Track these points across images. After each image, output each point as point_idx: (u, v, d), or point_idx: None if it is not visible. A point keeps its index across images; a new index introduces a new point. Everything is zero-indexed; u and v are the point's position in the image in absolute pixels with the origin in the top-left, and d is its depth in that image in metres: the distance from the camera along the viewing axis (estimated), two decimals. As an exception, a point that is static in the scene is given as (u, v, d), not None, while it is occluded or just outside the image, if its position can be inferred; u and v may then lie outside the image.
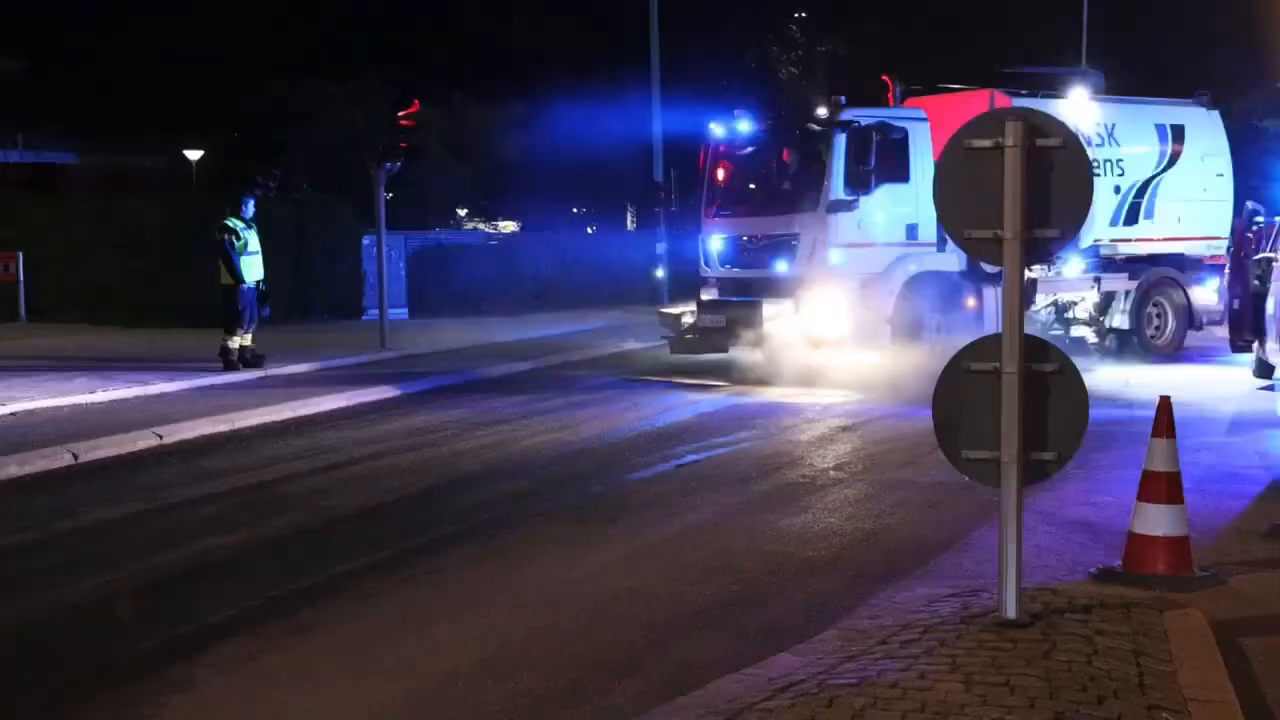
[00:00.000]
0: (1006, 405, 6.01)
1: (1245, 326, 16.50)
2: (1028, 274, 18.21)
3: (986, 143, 6.03)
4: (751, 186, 18.91)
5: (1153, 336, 20.22)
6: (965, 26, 44.73)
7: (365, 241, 28.93)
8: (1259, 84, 39.48)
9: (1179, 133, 20.13)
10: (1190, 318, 20.48)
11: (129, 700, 5.92)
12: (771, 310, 17.12)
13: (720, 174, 18.95)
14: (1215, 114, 20.89)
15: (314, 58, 46.08)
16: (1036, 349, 6.20)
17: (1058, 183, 6.03)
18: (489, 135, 47.87)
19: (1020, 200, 5.96)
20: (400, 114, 21.54)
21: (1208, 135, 20.66)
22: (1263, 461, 11.49)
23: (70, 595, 7.59)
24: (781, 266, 17.46)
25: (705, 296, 18.71)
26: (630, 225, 53.52)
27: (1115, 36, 39.99)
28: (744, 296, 17.84)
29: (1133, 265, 19.92)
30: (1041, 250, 6.26)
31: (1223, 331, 20.89)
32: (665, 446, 12.53)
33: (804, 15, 48.23)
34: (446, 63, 49.13)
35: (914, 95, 18.76)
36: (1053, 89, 19.84)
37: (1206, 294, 20.67)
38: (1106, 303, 19.86)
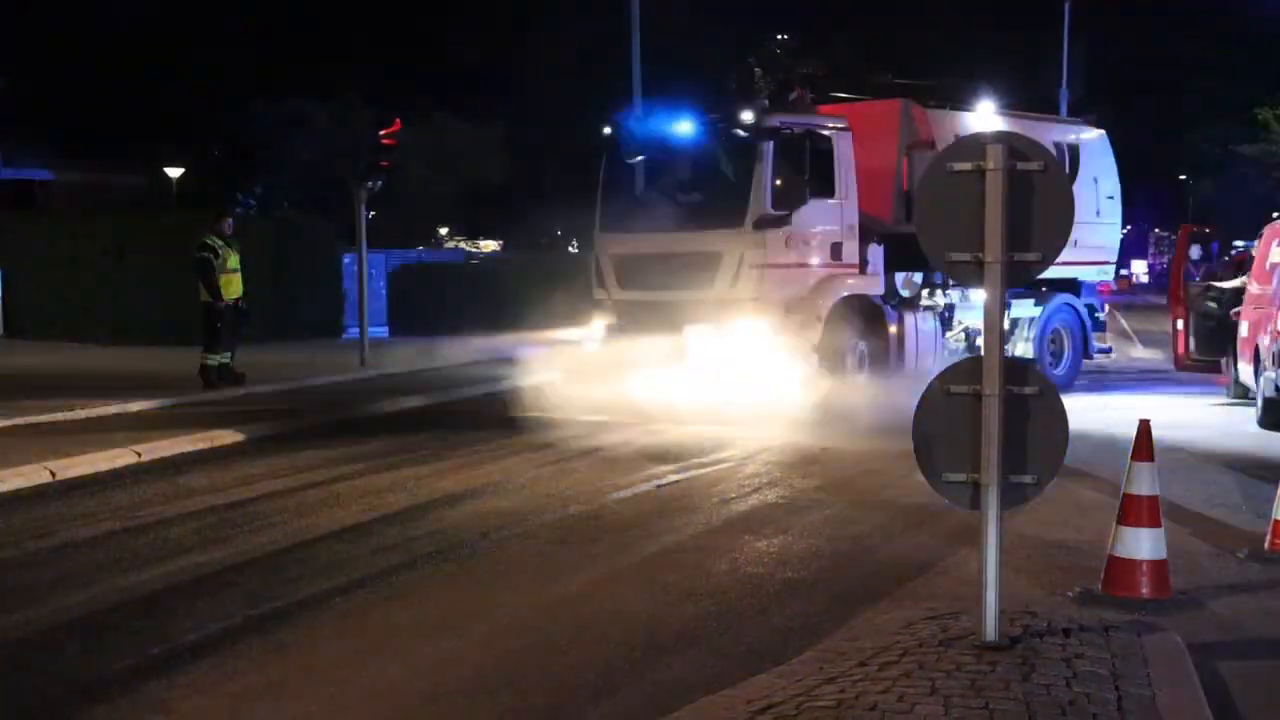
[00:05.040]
0: (987, 428, 6.02)
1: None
2: (944, 299, 18.01)
3: (967, 165, 6.05)
4: (662, 198, 16.89)
5: (1051, 364, 19.33)
6: (960, 40, 44.99)
7: (346, 260, 28.92)
8: (1234, 109, 39.83)
9: (1074, 153, 19.39)
10: (1086, 346, 19.88)
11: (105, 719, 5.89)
12: (691, 337, 15.53)
13: (621, 184, 17.46)
14: (1104, 135, 20.39)
15: (296, 76, 46.11)
16: (1017, 372, 6.22)
17: (1039, 206, 6.06)
18: (471, 154, 47.91)
19: (1002, 223, 5.99)
20: (382, 132, 21.42)
21: (1099, 157, 20.09)
22: (1239, 484, 11.54)
23: (46, 613, 7.54)
24: (699, 289, 15.74)
25: (605, 321, 16.84)
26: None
27: (1096, 53, 40.35)
28: (653, 322, 15.89)
29: (1035, 291, 19.03)
30: (1022, 274, 6.26)
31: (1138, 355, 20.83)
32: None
33: (785, 37, 48.45)
34: (429, 81, 49.22)
35: (817, 105, 17.39)
36: (956, 100, 19.41)
37: (1098, 321, 20.28)
38: (1012, 329, 18.78)
